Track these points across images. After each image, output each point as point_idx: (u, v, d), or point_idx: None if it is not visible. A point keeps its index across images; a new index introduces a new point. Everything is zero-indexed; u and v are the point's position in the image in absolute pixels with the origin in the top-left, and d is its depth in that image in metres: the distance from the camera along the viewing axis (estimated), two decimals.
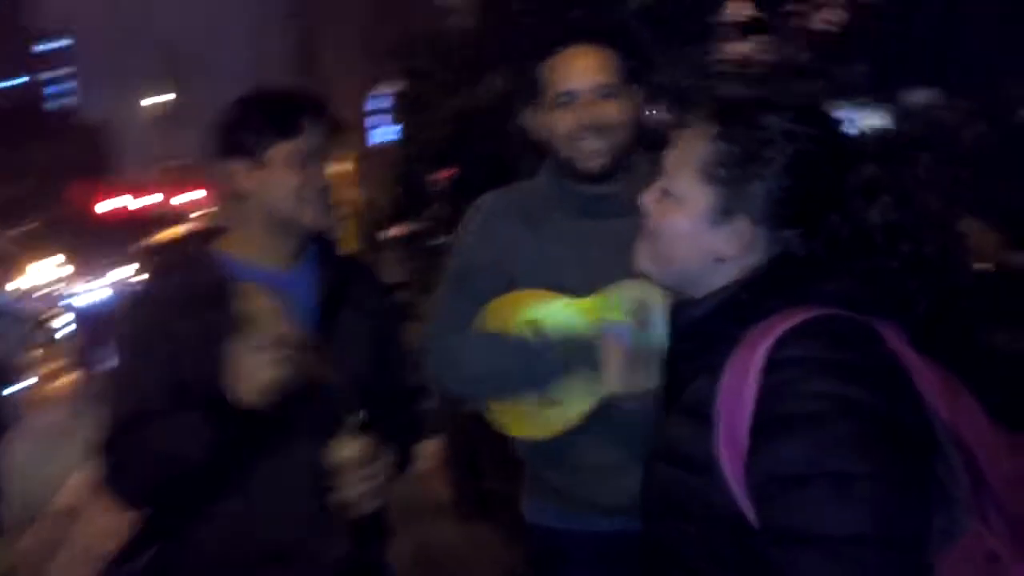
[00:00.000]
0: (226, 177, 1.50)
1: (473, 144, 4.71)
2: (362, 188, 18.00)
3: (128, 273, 21.37)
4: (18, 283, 25.04)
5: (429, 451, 5.72)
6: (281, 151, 1.46)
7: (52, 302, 19.79)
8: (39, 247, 27.78)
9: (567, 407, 1.58)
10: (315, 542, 1.44)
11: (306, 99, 1.52)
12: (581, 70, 1.62)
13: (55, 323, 15.95)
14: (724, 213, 1.03)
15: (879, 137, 1.52)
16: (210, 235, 1.57)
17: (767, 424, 0.91)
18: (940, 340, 1.00)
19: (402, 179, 6.06)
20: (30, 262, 27.07)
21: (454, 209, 5.77)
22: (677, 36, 2.82)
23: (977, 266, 1.32)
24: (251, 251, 1.51)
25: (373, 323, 1.57)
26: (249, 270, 1.47)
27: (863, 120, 2.02)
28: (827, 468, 0.87)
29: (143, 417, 1.36)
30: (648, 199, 1.12)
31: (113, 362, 1.47)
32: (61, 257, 30.01)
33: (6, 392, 4.97)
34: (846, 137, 1.06)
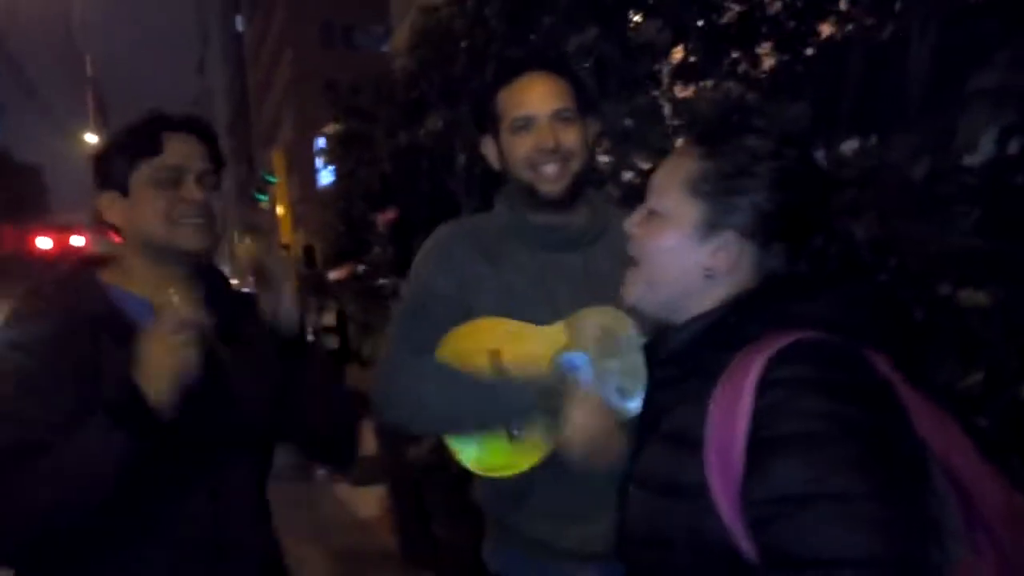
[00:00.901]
0: (102, 212, 1.42)
1: (414, 183, 4.70)
2: (301, 232, 17.80)
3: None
4: None
5: (373, 498, 5.61)
6: (143, 173, 1.37)
7: None
8: None
9: (532, 443, 1.55)
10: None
11: (168, 116, 1.42)
12: (539, 95, 1.63)
13: None
14: (711, 227, 1.04)
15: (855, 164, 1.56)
16: (96, 264, 1.45)
17: (763, 445, 0.90)
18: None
19: (343, 220, 5.99)
20: None
21: (397, 249, 5.73)
22: (618, 79, 2.86)
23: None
24: (135, 283, 1.40)
25: (265, 362, 1.47)
26: (134, 301, 1.38)
27: None
28: (829, 489, 0.85)
29: (28, 448, 1.21)
30: (632, 223, 1.12)
31: None
32: None
33: None
34: (833, 165, 1.09)
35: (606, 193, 2.49)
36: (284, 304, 1.45)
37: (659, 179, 1.10)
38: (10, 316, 1.36)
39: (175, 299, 1.29)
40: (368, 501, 5.73)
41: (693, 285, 1.06)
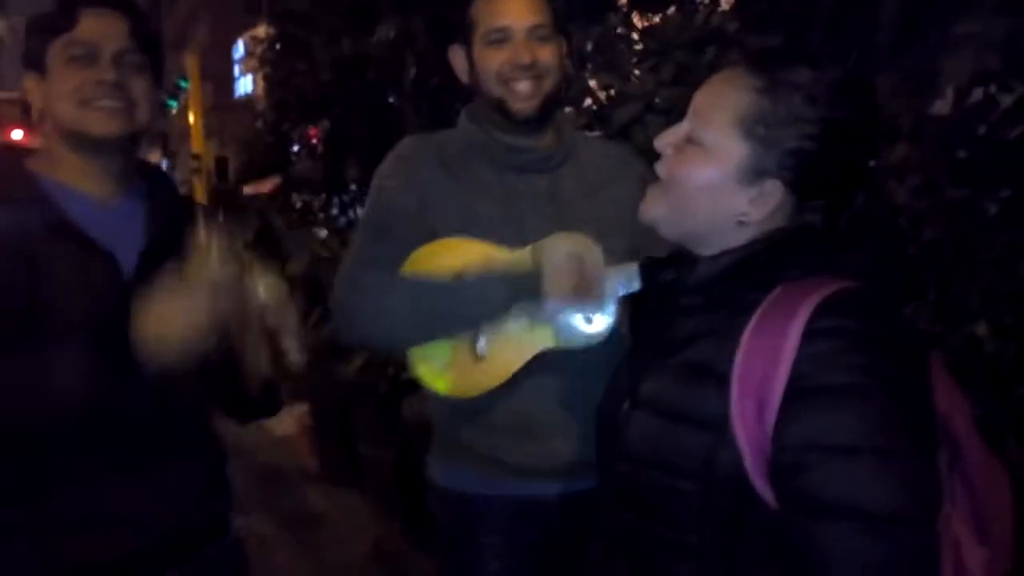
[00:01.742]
0: (29, 97, 1.31)
1: (353, 95, 4.50)
2: (213, 142, 17.01)
3: None
4: None
5: (291, 417, 5.55)
6: (56, 49, 1.26)
7: None
8: None
9: (497, 363, 1.53)
10: (145, 505, 1.29)
11: None
12: (517, 8, 1.57)
13: None
14: (756, 173, 0.98)
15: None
16: (21, 155, 1.34)
17: (808, 392, 0.88)
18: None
19: (272, 131, 5.72)
20: None
21: (328, 165, 5.52)
22: (582, 3, 2.79)
23: None
24: (64, 173, 1.29)
25: None
26: (67, 193, 1.27)
27: None
28: (877, 443, 0.86)
29: None
30: (667, 142, 1.05)
31: None
32: None
33: None
34: (881, 113, 1.04)
35: (570, 115, 2.44)
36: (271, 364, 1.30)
37: (705, 104, 1.02)
38: None
39: (211, 247, 1.18)
40: (284, 419, 5.66)
41: (723, 226, 1.01)
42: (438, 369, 1.55)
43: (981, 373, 1.60)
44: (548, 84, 1.59)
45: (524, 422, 1.57)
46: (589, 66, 2.64)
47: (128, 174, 1.35)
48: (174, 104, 21.69)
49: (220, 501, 1.45)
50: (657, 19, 2.68)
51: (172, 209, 1.39)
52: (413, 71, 3.54)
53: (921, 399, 0.92)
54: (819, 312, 0.90)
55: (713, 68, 1.94)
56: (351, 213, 5.56)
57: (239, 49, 18.01)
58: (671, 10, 2.84)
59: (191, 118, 15.65)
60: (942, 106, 1.82)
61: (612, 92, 2.42)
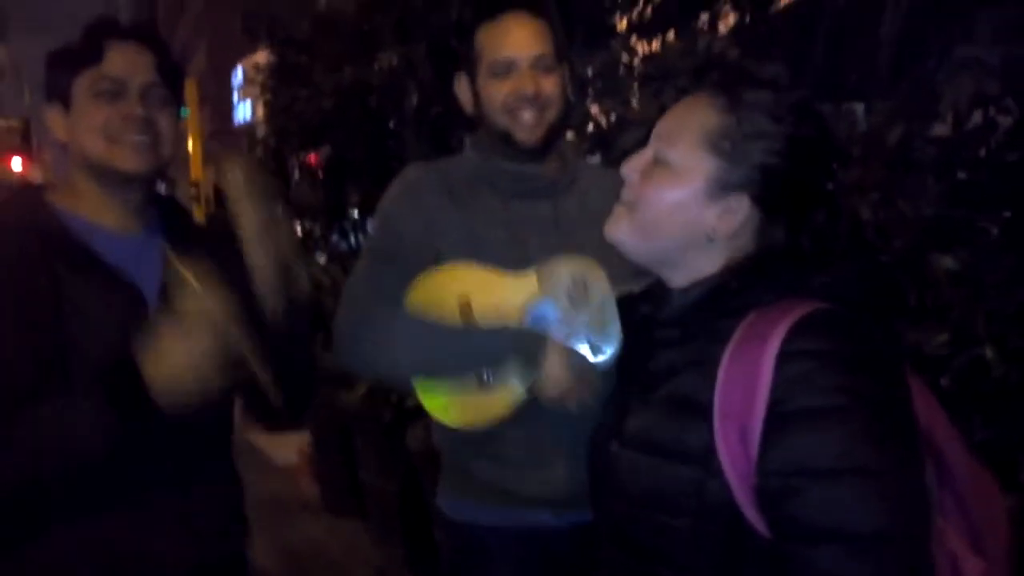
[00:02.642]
0: (51, 127, 1.31)
1: (353, 122, 4.53)
2: (212, 168, 17.08)
3: None
4: None
5: (290, 445, 5.51)
6: (83, 83, 1.26)
7: None
8: None
9: (503, 393, 1.52)
10: (165, 543, 1.29)
11: (114, 22, 1.30)
12: (521, 39, 1.58)
13: None
14: (724, 188, 1.00)
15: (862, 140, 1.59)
16: (40, 190, 1.34)
17: (786, 417, 0.88)
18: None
19: (274, 158, 5.74)
20: None
21: (327, 191, 5.53)
22: (585, 28, 2.82)
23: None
24: (86, 208, 1.29)
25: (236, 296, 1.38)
26: (88, 228, 1.27)
27: None
28: (857, 463, 0.85)
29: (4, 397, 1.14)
30: (633, 167, 1.07)
31: None
32: None
33: None
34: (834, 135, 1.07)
35: (572, 141, 2.46)
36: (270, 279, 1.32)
37: (671, 127, 1.06)
38: None
39: (193, 281, 1.18)
40: (285, 449, 5.63)
41: (692, 244, 1.03)
42: (445, 399, 1.55)
43: (988, 396, 1.59)
44: (551, 114, 1.60)
45: (532, 452, 1.57)
46: (591, 92, 2.66)
47: (147, 206, 1.36)
48: None
49: (238, 538, 1.44)
50: (658, 46, 2.70)
51: (189, 238, 1.39)
52: (415, 99, 3.57)
53: (901, 413, 0.92)
54: (791, 335, 0.91)
55: None
56: (352, 239, 5.57)
57: (238, 75, 18.13)
58: (670, 35, 2.88)
59: (190, 145, 15.71)
60: (942, 129, 1.83)
61: (614, 118, 2.43)
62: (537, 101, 1.57)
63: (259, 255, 1.30)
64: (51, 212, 1.29)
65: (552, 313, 1.51)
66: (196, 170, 15.44)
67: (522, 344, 1.47)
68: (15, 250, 1.22)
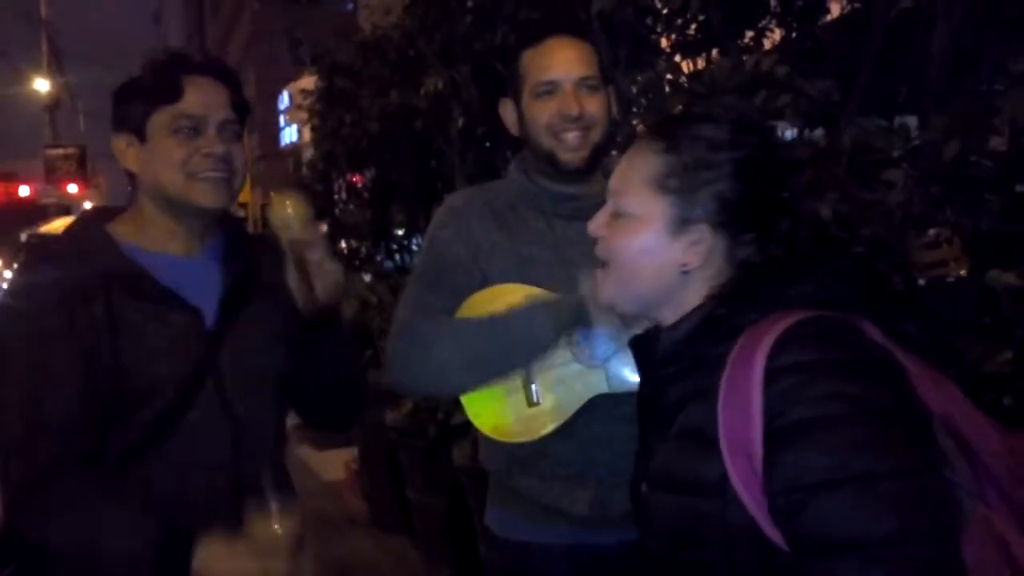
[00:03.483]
0: (117, 155, 1.35)
1: (398, 145, 4.60)
2: (258, 190, 17.44)
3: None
4: None
5: (337, 462, 5.57)
6: (161, 119, 1.29)
7: None
8: None
9: (551, 408, 1.53)
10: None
11: (190, 57, 1.34)
12: (566, 60, 1.60)
13: None
14: (682, 221, 1.03)
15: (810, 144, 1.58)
16: (102, 218, 1.37)
17: (780, 434, 0.89)
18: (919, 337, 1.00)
19: (321, 180, 5.85)
20: None
21: (373, 212, 5.62)
22: (629, 47, 2.83)
23: (947, 276, 1.36)
24: (147, 236, 1.33)
25: (286, 310, 1.39)
26: (148, 256, 1.31)
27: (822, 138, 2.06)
28: (852, 471, 0.85)
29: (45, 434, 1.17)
30: (598, 225, 1.11)
31: None
32: None
33: None
34: (782, 147, 1.09)
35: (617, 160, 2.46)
36: (322, 289, 1.35)
37: (620, 180, 1.10)
38: (15, 274, 1.31)
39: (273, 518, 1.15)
40: (333, 464, 5.69)
41: (669, 282, 1.06)
42: (492, 414, 1.56)
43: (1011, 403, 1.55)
44: (596, 135, 1.61)
45: (579, 469, 1.57)
46: (636, 110, 2.66)
47: (208, 229, 1.40)
48: None
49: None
50: (703, 64, 2.70)
51: (247, 255, 1.43)
52: (460, 121, 3.61)
53: (900, 410, 0.91)
54: (775, 352, 0.92)
55: (763, 112, 1.95)
56: (397, 259, 5.64)
57: (284, 100, 18.50)
58: (715, 52, 2.87)
59: None
60: (999, 143, 1.80)
61: None
62: (581, 122, 1.59)
63: (306, 282, 1.33)
64: (110, 240, 1.33)
65: (600, 331, 1.52)
66: (244, 192, 15.77)
67: (562, 312, 1.48)
68: (71, 278, 1.25)
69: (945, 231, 1.39)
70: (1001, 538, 0.91)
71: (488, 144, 3.70)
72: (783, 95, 1.91)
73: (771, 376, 0.90)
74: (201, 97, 1.31)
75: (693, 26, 2.96)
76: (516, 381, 1.55)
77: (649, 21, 3.02)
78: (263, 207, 14.55)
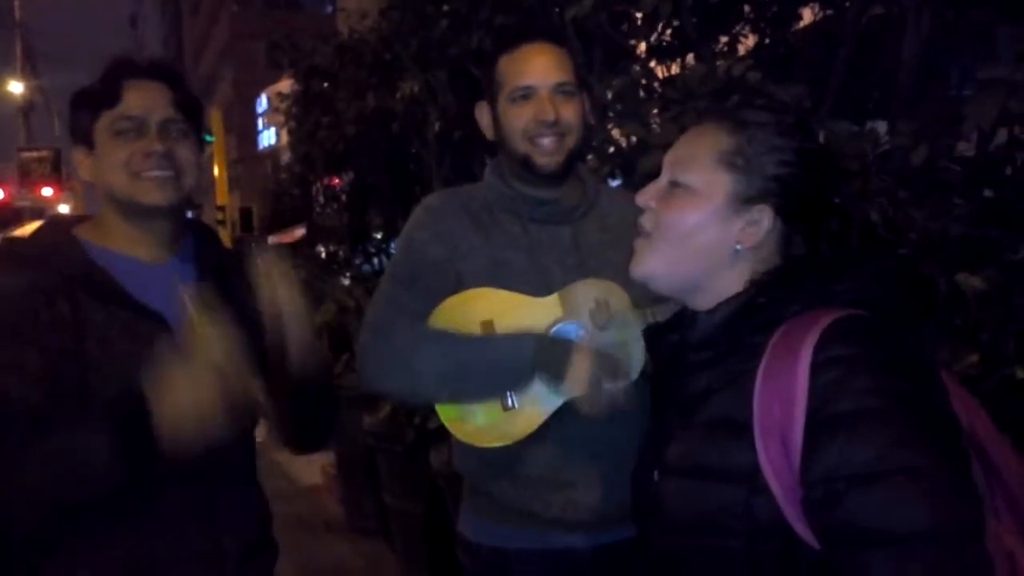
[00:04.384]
0: (77, 168, 1.36)
1: (375, 148, 4.59)
2: (236, 193, 17.32)
3: None
4: None
5: (314, 466, 5.53)
6: (103, 124, 1.30)
7: None
8: None
9: (525, 413, 1.52)
10: (193, 567, 1.30)
11: (130, 62, 1.35)
12: (541, 66, 1.60)
13: None
14: (744, 200, 1.03)
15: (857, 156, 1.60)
16: (70, 222, 1.37)
17: (823, 425, 0.89)
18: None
19: (298, 183, 5.83)
20: None
21: (350, 215, 5.61)
22: (604, 52, 2.84)
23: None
24: (112, 241, 1.33)
25: (253, 320, 1.37)
26: (116, 259, 1.31)
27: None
28: (898, 463, 0.86)
29: (14, 424, 1.16)
30: (649, 196, 1.09)
31: None
32: None
33: None
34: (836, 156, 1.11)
35: (593, 165, 2.47)
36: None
37: (682, 152, 1.09)
38: None
39: (194, 314, 1.21)
40: (310, 469, 5.65)
41: (718, 263, 1.05)
42: (467, 419, 1.56)
43: (1020, 417, 1.57)
44: (571, 140, 1.62)
45: (553, 473, 1.56)
46: (611, 115, 2.67)
47: (177, 236, 1.39)
48: None
49: (267, 561, 1.45)
50: (677, 69, 2.72)
51: (219, 264, 1.42)
52: (436, 125, 3.61)
53: (940, 411, 0.92)
54: (821, 344, 0.92)
55: None
56: (375, 262, 5.63)
57: (262, 103, 18.40)
58: (690, 58, 2.89)
59: (215, 171, 15.95)
60: (967, 148, 1.83)
61: (634, 140, 2.44)
62: (557, 127, 1.59)
63: (283, 327, 1.33)
64: (76, 243, 1.32)
65: (575, 336, 1.52)
66: (222, 195, 15.64)
67: (544, 348, 1.47)
68: (35, 280, 1.25)
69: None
70: (1008, 552, 0.93)
71: (464, 149, 3.70)
72: (756, 99, 1.93)
73: (817, 368, 0.91)
74: (140, 99, 1.32)
75: (668, 32, 2.99)
76: None
77: (624, 27, 3.05)
78: (241, 210, 14.44)
